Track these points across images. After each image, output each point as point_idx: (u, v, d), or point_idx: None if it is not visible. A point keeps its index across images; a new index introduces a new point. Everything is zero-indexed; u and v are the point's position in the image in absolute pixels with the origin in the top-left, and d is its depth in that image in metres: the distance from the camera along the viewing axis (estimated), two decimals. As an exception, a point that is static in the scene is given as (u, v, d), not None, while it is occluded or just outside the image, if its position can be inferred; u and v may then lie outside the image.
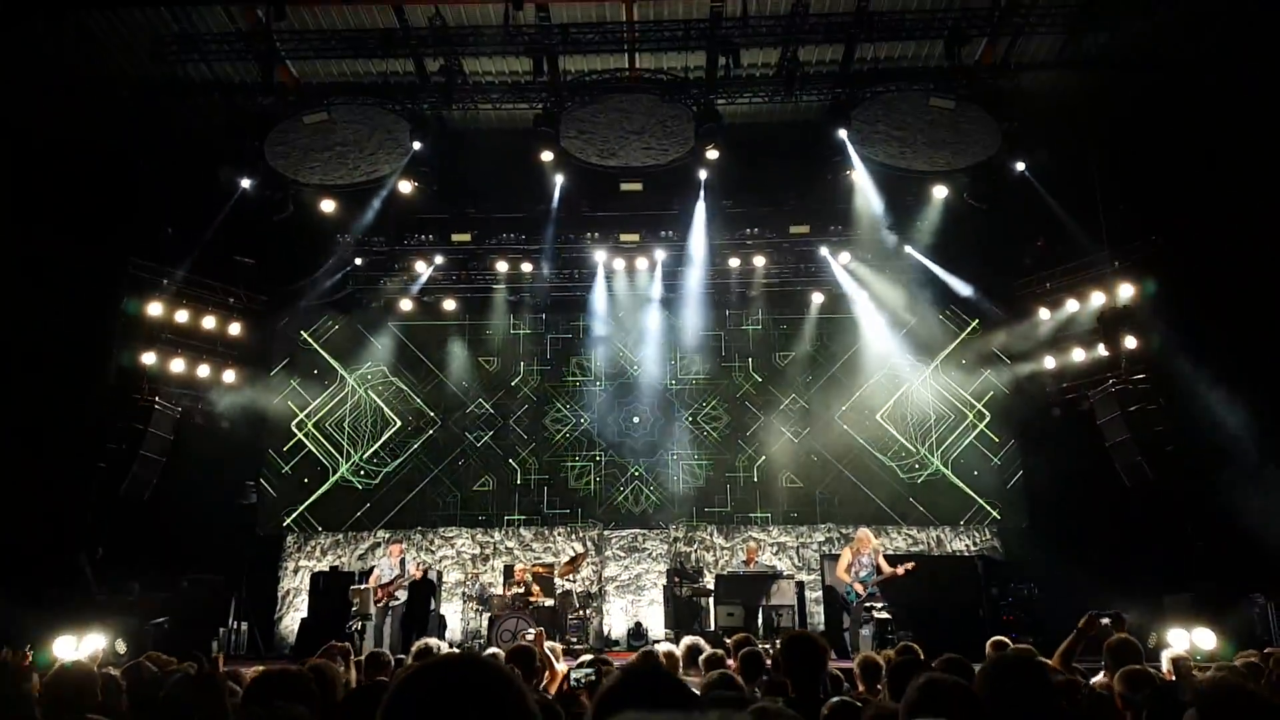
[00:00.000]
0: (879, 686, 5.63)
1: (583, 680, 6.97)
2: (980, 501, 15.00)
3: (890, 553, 13.05)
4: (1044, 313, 14.98)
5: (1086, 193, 13.21)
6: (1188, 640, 10.64)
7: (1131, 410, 13.57)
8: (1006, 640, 7.75)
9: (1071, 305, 14.58)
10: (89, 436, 13.17)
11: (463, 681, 1.47)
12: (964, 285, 15.26)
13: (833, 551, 14.52)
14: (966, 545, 14.96)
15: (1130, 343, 13.55)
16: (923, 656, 6.89)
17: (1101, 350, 14.07)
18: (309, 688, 3.70)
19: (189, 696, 4.06)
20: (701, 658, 6.84)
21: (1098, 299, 14.22)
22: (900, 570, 11.85)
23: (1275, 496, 11.90)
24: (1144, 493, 13.25)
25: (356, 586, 12.74)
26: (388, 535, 15.10)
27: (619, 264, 15.45)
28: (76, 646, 10.07)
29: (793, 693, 4.26)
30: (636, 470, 15.48)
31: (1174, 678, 6.04)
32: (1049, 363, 14.85)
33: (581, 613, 13.10)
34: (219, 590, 13.37)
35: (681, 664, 6.45)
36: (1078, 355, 14.47)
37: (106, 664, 6.60)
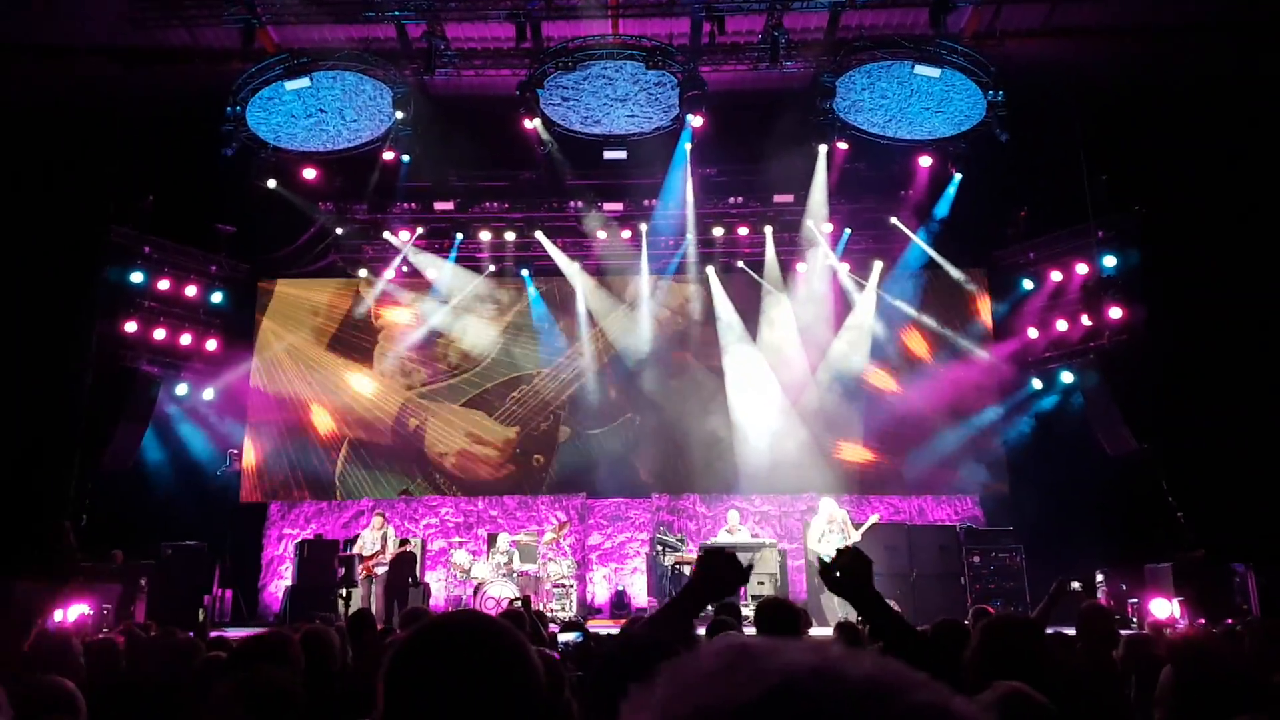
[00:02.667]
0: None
1: (570, 645, 7.02)
2: (963, 470, 15.09)
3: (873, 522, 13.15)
4: (1027, 283, 15.02)
5: (1070, 162, 13.20)
6: (1167, 609, 10.81)
7: (1115, 379, 13.63)
8: (989, 609, 7.83)
9: (1055, 275, 14.62)
10: (71, 405, 13.10)
11: (468, 637, 1.45)
12: (946, 255, 15.29)
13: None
14: (949, 514, 15.06)
15: (1114, 313, 13.61)
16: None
17: (1085, 320, 14.13)
18: (293, 652, 3.70)
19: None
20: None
21: (1081, 269, 14.27)
22: (873, 519, 12.63)
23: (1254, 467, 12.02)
24: (1126, 461, 13.33)
25: (344, 554, 12.79)
26: (372, 504, 15.09)
27: (603, 232, 15.38)
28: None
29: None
30: (618, 439, 15.48)
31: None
32: (1032, 333, 14.89)
33: (565, 581, 13.15)
34: (202, 558, 13.35)
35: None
36: (1061, 325, 14.51)
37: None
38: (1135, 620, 11.49)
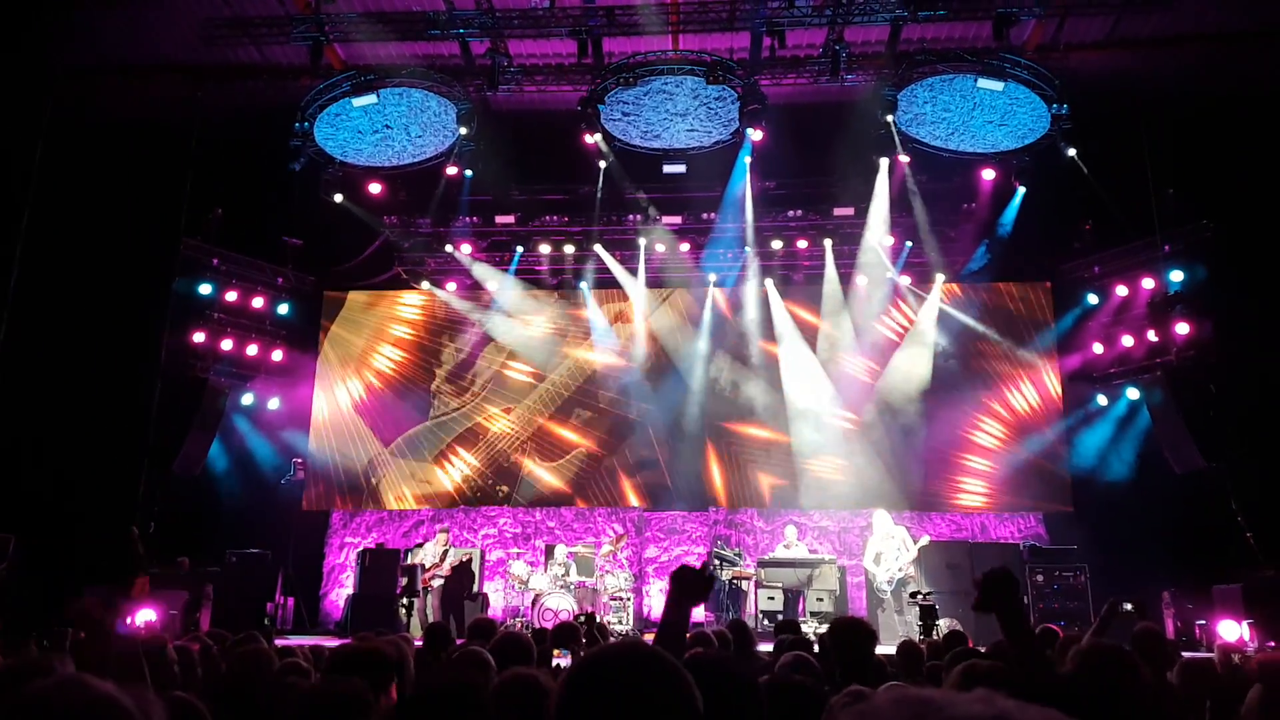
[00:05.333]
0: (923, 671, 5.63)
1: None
2: (1026, 487, 14.89)
3: (935, 540, 13.03)
4: (1092, 297, 14.80)
5: (1136, 176, 12.99)
6: (1236, 631, 10.55)
7: (1182, 397, 13.37)
8: (1055, 628, 7.71)
9: (1120, 290, 14.40)
10: (141, 414, 13.43)
11: (641, 672, 1.51)
12: (1010, 269, 15.15)
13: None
14: (1011, 532, 14.85)
15: (1181, 328, 13.35)
16: (970, 642, 6.88)
17: (1151, 336, 13.88)
18: (387, 662, 3.75)
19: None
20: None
21: (1147, 284, 14.04)
22: (923, 540, 12.47)
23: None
24: (1194, 480, 13.06)
25: (406, 564, 12.97)
26: (432, 513, 15.28)
27: (661, 245, 15.46)
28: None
29: (841, 678, 4.26)
30: (677, 451, 15.49)
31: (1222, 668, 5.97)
32: (1097, 348, 14.67)
33: (622, 594, 13.19)
34: (266, 565, 13.58)
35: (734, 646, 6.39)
36: (1126, 341, 14.27)
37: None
38: (1203, 642, 11.25)
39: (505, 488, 15.64)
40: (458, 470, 15.77)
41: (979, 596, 2.78)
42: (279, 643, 8.35)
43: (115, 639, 4.82)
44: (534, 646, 4.85)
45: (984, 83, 12.58)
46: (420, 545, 13.48)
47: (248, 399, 15.22)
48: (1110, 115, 13.19)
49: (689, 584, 2.93)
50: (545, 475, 15.64)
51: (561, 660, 5.92)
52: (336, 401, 16.06)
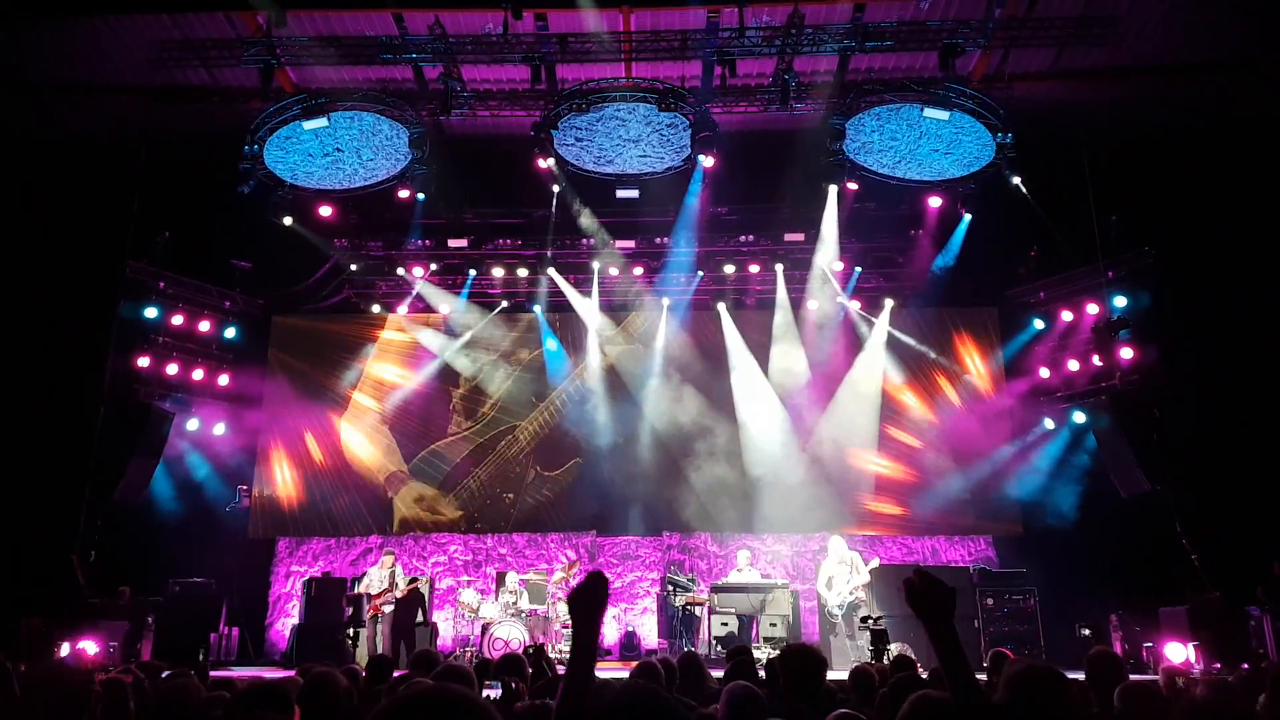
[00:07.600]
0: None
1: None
2: (975, 511, 15.03)
3: (885, 564, 13.11)
4: (1038, 322, 15.04)
5: (1080, 203, 13.27)
6: (1182, 653, 10.69)
7: (1127, 420, 13.60)
8: (1006, 652, 7.74)
9: (1066, 315, 14.65)
10: (83, 440, 13.13)
11: (438, 712, 1.52)
12: (957, 294, 15.35)
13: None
14: (962, 555, 14.96)
15: (1125, 353, 13.60)
16: (919, 667, 6.88)
17: (1096, 360, 14.13)
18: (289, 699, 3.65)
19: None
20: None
21: (1092, 309, 14.29)
22: (873, 563, 12.58)
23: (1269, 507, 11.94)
24: (1140, 503, 13.26)
25: (352, 593, 12.73)
26: (380, 541, 15.04)
27: (615, 269, 15.47)
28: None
29: (790, 705, 4.22)
30: (631, 476, 15.41)
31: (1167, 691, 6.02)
32: (1043, 372, 14.88)
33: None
34: (210, 595, 13.28)
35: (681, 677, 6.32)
36: (1072, 365, 14.50)
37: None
38: (1150, 664, 11.37)
39: (511, 495, 15.56)
40: (466, 490, 15.62)
41: (911, 593, 2.64)
42: (220, 674, 8.16)
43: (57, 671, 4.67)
44: (475, 679, 4.76)
45: (930, 112, 12.78)
46: (364, 575, 13.22)
47: (193, 424, 14.92)
48: (1054, 144, 13.47)
49: (580, 600, 2.56)
50: (501, 500, 15.52)
51: (491, 692, 5.81)
52: (281, 427, 15.75)
